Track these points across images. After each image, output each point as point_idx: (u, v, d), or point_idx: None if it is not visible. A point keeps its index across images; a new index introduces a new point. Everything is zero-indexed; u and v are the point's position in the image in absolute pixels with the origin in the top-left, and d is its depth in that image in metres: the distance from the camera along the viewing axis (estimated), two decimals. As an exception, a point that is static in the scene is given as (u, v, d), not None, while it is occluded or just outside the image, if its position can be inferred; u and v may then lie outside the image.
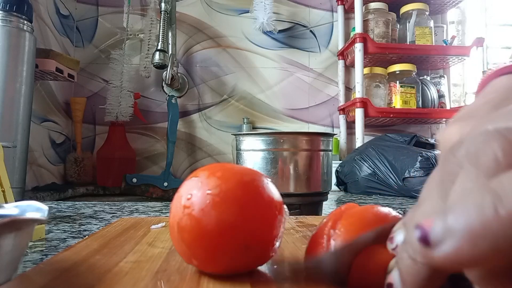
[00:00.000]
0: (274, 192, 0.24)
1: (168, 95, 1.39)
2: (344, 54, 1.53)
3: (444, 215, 0.13)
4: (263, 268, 0.25)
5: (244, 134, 0.62)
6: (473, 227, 0.12)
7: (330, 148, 0.63)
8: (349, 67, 1.58)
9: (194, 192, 0.23)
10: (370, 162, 1.16)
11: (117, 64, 1.36)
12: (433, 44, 1.46)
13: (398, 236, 0.18)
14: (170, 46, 1.36)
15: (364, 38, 1.36)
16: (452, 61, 1.56)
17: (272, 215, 0.23)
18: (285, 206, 0.25)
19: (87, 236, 0.35)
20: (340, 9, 1.57)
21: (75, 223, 0.48)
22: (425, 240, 0.13)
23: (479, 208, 0.12)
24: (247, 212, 0.22)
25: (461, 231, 0.12)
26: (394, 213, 0.23)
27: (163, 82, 1.39)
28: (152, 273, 0.24)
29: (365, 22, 1.43)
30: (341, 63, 1.57)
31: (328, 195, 0.66)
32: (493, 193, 0.12)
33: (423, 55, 1.45)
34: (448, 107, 1.52)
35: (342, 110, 1.54)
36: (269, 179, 0.25)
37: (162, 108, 1.48)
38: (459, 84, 1.74)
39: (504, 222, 0.12)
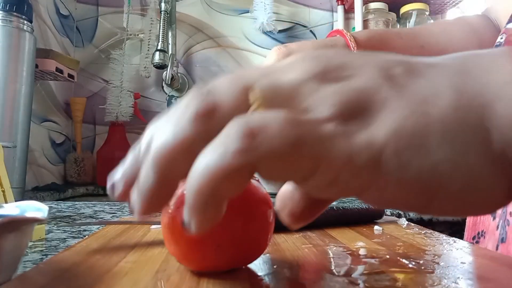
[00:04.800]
0: (256, 193, 0.24)
1: (168, 95, 1.39)
2: (344, 54, 1.53)
3: None
4: (263, 268, 0.25)
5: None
6: None
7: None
8: (349, 67, 1.58)
9: (177, 191, 0.24)
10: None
11: (117, 64, 1.36)
12: (433, 44, 1.46)
13: None
14: (170, 46, 1.36)
15: (364, 38, 1.36)
16: (452, 61, 1.56)
17: (247, 216, 0.23)
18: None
19: (87, 236, 0.35)
20: (340, 9, 1.57)
21: (75, 223, 0.48)
22: None
23: None
24: None
25: None
26: None
27: (163, 82, 1.39)
28: (152, 273, 0.24)
29: (365, 22, 1.43)
30: (341, 63, 1.57)
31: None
32: None
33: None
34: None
35: (342, 110, 1.54)
36: (257, 180, 0.25)
37: (162, 108, 1.48)
38: (459, 84, 1.74)
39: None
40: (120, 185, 0.19)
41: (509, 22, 0.46)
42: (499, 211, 0.43)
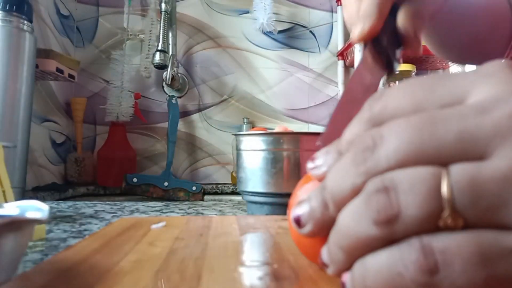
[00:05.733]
0: None
1: (169, 95, 1.39)
2: (344, 54, 1.53)
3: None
4: (263, 268, 0.25)
5: (244, 134, 0.62)
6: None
7: (330, 148, 0.63)
8: (348, 68, 1.58)
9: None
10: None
11: (117, 64, 1.36)
12: (433, 44, 1.46)
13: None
14: (170, 46, 1.36)
15: (364, 38, 1.36)
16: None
17: None
18: None
19: (87, 236, 0.35)
20: (340, 9, 1.57)
21: (76, 222, 0.48)
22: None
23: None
24: None
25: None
26: None
27: (164, 83, 1.39)
28: (152, 272, 0.24)
29: (365, 22, 1.43)
30: (340, 63, 1.57)
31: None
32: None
33: (423, 55, 1.45)
34: (448, 107, 1.51)
35: (342, 110, 1.54)
36: None
37: (163, 108, 1.48)
38: (459, 84, 1.73)
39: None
40: (309, 225, 0.18)
41: None
42: None
